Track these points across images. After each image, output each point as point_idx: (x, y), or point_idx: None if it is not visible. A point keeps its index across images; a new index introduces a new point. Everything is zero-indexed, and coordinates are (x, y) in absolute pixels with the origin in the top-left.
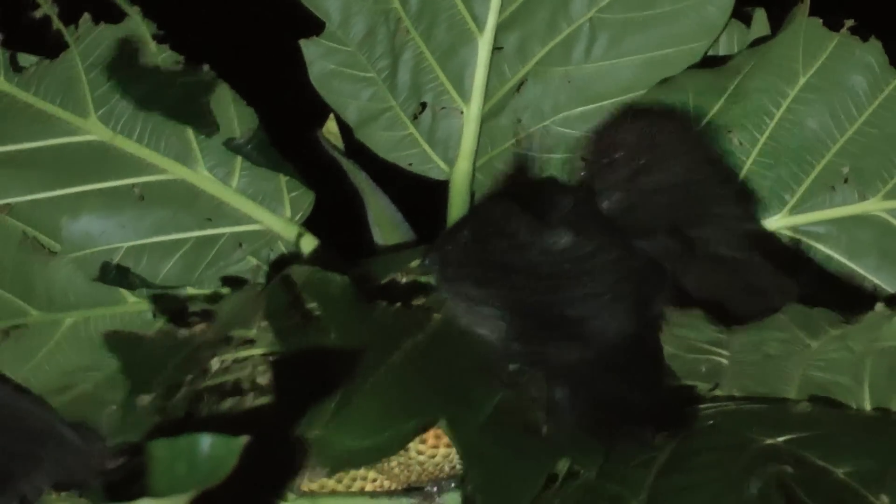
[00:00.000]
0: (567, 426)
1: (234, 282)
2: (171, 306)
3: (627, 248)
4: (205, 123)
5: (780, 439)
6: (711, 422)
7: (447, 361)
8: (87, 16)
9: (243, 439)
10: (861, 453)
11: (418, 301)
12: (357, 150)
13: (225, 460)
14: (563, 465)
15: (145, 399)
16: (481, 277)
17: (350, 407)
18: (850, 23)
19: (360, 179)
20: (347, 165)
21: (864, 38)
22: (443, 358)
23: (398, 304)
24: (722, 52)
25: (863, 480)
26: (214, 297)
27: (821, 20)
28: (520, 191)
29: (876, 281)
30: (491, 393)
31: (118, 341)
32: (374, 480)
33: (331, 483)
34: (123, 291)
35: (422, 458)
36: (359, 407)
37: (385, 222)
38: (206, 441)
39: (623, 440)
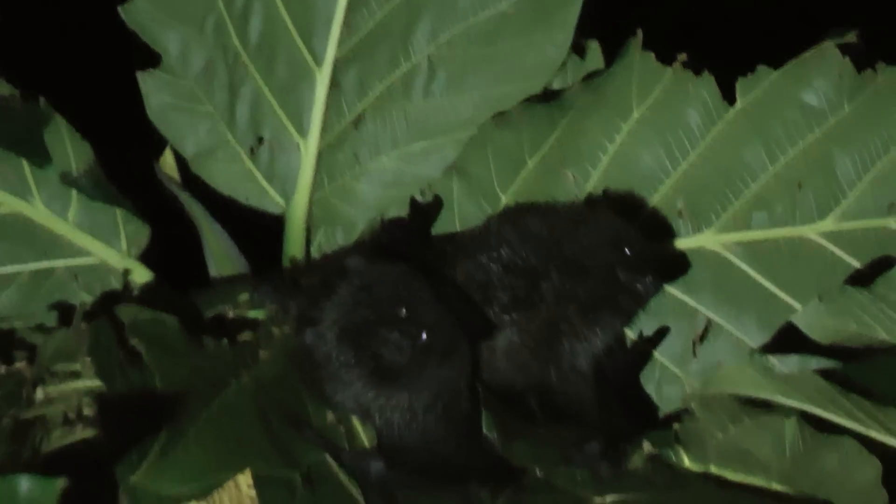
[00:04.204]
0: (381, 496)
1: (63, 309)
2: None
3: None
4: (39, 156)
5: (610, 499)
6: (542, 475)
7: (270, 410)
8: None
9: (61, 481)
10: None
11: (245, 336)
12: (197, 181)
13: (43, 503)
14: None
15: None
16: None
17: (169, 457)
18: (682, 57)
19: (197, 212)
20: (184, 198)
21: (698, 72)
22: (266, 405)
23: (224, 341)
24: (556, 84)
25: None
26: (41, 329)
27: (654, 54)
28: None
29: (712, 316)
30: (308, 452)
31: None
32: None
33: None
34: None
35: (252, 492)
36: (178, 458)
37: (220, 254)
38: (24, 483)
39: (448, 497)
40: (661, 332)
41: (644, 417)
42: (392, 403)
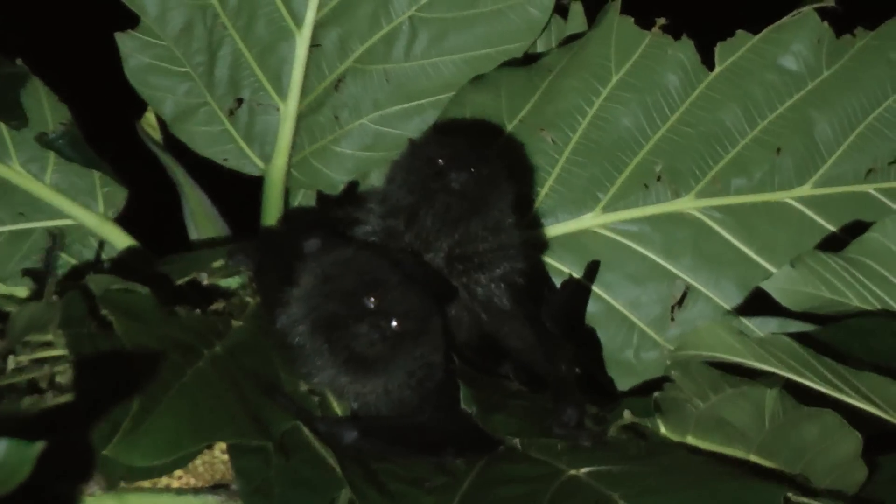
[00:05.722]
0: (356, 463)
1: (36, 275)
2: None
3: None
4: (16, 118)
5: (585, 471)
6: (518, 443)
7: (242, 379)
8: None
9: (39, 445)
10: (664, 497)
11: (218, 305)
12: (177, 146)
13: (19, 467)
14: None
15: None
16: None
17: (141, 429)
18: (661, 21)
19: (177, 173)
20: (164, 158)
21: (677, 37)
22: (238, 375)
23: (197, 312)
24: (540, 44)
25: None
26: (13, 299)
27: (632, 18)
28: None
29: (691, 281)
30: (281, 420)
31: None
32: (181, 478)
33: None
34: None
35: (226, 457)
36: (150, 430)
37: (201, 217)
38: (1, 446)
39: (422, 466)
40: (593, 267)
41: (593, 356)
42: (367, 389)
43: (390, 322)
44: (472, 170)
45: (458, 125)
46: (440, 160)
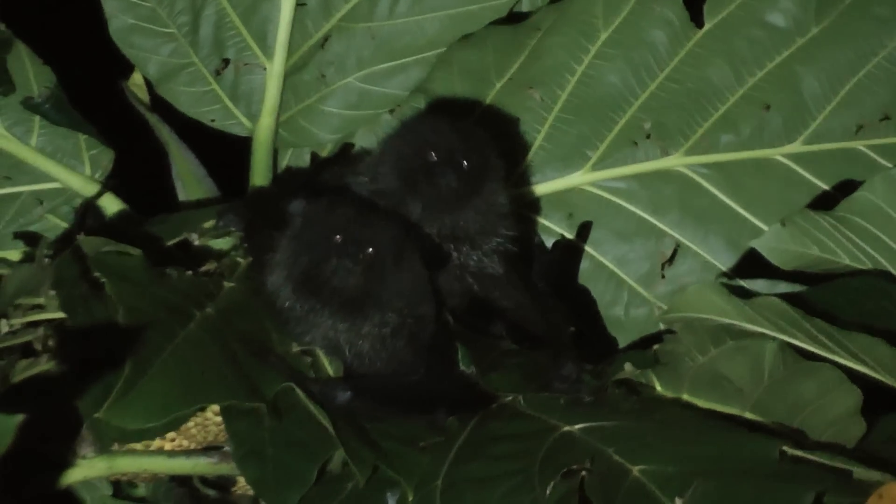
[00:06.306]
0: (349, 423)
1: (28, 238)
2: None
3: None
4: (2, 83)
5: (579, 427)
6: (512, 399)
7: (234, 341)
8: None
9: (18, 417)
10: (659, 452)
11: (209, 265)
12: (164, 106)
13: (0, 438)
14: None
15: None
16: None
17: (133, 392)
18: None
19: (164, 133)
20: (151, 119)
21: None
22: (230, 337)
23: (188, 273)
24: (525, 2)
25: (658, 481)
26: (4, 263)
27: None
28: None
29: (679, 237)
30: (273, 381)
31: None
32: (173, 440)
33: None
34: None
35: (219, 419)
36: (142, 392)
37: (188, 177)
38: None
39: (415, 425)
40: (586, 227)
41: (588, 314)
42: (363, 332)
43: (360, 248)
44: (464, 162)
45: (447, 99)
46: (431, 153)
